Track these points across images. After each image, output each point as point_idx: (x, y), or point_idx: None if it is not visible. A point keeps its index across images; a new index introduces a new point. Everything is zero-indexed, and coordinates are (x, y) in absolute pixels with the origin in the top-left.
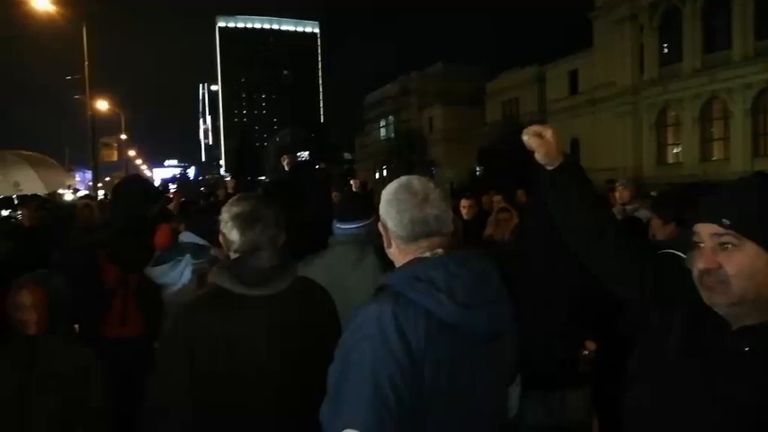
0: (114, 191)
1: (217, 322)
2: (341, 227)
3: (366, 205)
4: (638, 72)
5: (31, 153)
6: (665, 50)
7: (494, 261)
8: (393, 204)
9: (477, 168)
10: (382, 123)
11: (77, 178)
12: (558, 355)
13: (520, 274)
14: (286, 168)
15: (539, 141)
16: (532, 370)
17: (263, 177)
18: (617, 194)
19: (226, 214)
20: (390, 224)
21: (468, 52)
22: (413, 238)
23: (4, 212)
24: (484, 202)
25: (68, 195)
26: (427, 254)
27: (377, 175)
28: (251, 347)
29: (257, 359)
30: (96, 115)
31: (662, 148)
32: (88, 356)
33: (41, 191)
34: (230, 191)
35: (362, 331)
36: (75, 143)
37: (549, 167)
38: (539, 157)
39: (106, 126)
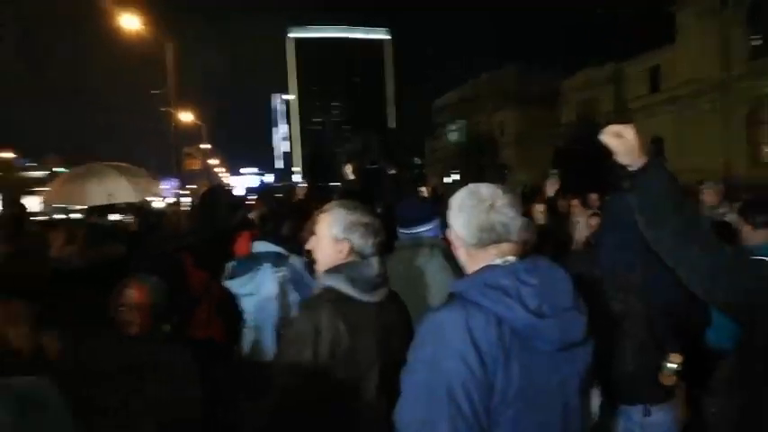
0: (200, 200)
1: (337, 320)
2: (404, 231)
3: (428, 209)
4: (725, 67)
5: (123, 164)
6: (755, 43)
7: (567, 268)
8: (461, 211)
9: (552, 171)
10: (452, 127)
11: (165, 186)
12: (637, 368)
13: (595, 282)
14: (350, 176)
15: (618, 141)
16: (612, 382)
17: (335, 183)
18: (704, 197)
19: (346, 218)
20: (459, 231)
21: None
22: (481, 244)
23: (112, 217)
24: (560, 205)
25: (156, 203)
26: (498, 261)
27: (447, 180)
28: (363, 347)
29: (368, 358)
30: (179, 126)
31: (755, 147)
32: (185, 356)
33: (132, 199)
34: (301, 197)
35: (434, 337)
36: (160, 153)
37: (632, 168)
38: (620, 157)
39: (189, 136)
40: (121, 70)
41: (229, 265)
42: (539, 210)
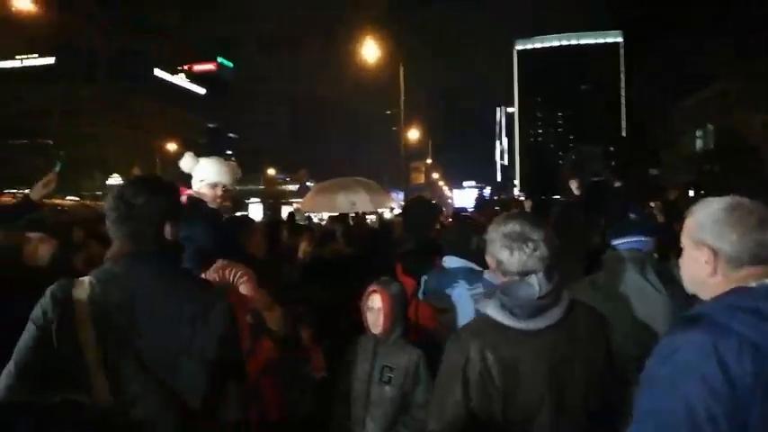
0: (404, 211)
1: (488, 354)
2: (617, 242)
3: (647, 222)
4: None
5: (364, 179)
6: None
7: None
8: (729, 225)
9: None
10: (698, 134)
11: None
12: None
13: None
14: (575, 192)
15: None
16: None
17: (557, 196)
18: None
19: (494, 233)
20: (726, 248)
21: None
22: (755, 262)
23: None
24: None
25: (387, 213)
26: (752, 283)
27: (690, 193)
28: (523, 379)
29: (530, 390)
30: (408, 143)
31: None
32: (417, 356)
33: (370, 209)
34: (527, 210)
35: (674, 360)
36: (391, 168)
37: None
38: None
39: (416, 151)
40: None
41: (423, 278)
42: None
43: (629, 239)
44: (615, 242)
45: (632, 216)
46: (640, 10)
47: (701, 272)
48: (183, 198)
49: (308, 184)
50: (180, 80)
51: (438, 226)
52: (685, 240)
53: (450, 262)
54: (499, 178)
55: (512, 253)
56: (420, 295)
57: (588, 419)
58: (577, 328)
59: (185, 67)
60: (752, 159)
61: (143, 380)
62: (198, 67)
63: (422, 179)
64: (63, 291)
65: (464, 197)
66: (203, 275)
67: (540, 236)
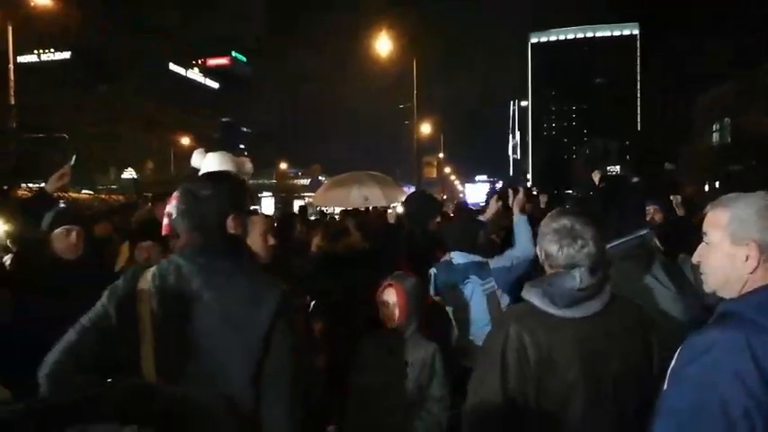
0: (405, 205)
1: (524, 334)
2: (615, 242)
3: (640, 214)
4: None
5: (377, 173)
6: None
7: None
8: None
9: None
10: (715, 128)
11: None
12: None
13: None
14: (597, 184)
15: None
16: None
17: (569, 191)
18: None
19: (545, 228)
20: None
21: None
22: None
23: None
24: None
25: (399, 208)
26: None
27: (706, 188)
28: (557, 366)
29: (564, 378)
30: (420, 138)
31: None
32: (434, 350)
33: (384, 203)
34: (543, 206)
35: (708, 358)
36: (404, 162)
37: None
38: None
39: (428, 145)
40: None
41: (431, 272)
42: None
43: (626, 237)
44: (614, 242)
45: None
46: (658, 1)
47: (739, 268)
48: None
49: (320, 178)
50: (194, 74)
51: (438, 219)
52: (717, 236)
53: (458, 257)
54: (512, 172)
55: (560, 248)
56: (431, 290)
57: (623, 414)
58: (614, 321)
59: (199, 62)
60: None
61: (193, 374)
62: (212, 62)
63: (434, 173)
64: (130, 280)
65: (476, 191)
66: None
67: (590, 234)
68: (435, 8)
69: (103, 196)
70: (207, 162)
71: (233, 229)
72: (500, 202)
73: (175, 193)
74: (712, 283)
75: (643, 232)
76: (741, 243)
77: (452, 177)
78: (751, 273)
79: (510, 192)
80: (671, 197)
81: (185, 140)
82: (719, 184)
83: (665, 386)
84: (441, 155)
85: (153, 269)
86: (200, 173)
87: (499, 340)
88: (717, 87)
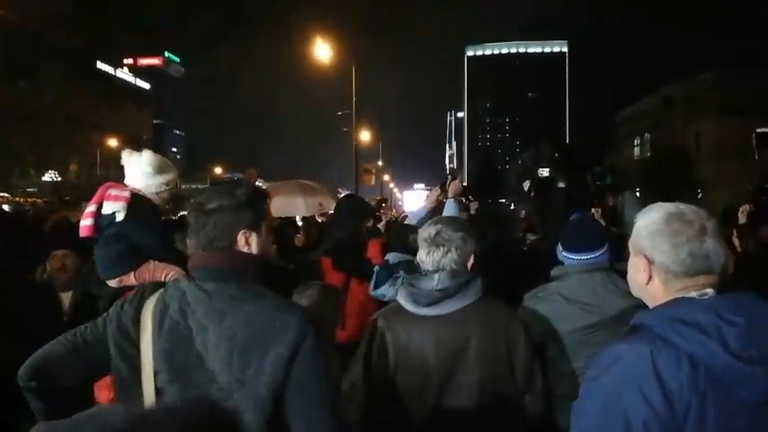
0: (335, 207)
1: (388, 332)
2: (572, 257)
3: (600, 234)
4: None
5: (306, 182)
6: None
7: None
8: (664, 236)
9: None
10: (636, 141)
11: None
12: None
13: None
14: (527, 191)
15: None
16: None
17: (503, 200)
18: None
19: (421, 234)
20: (661, 258)
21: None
22: (690, 274)
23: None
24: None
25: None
26: (693, 294)
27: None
28: (415, 358)
29: (421, 369)
30: (359, 144)
31: None
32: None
33: (306, 213)
34: (472, 212)
35: (614, 370)
36: (342, 169)
37: None
38: None
39: (367, 153)
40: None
41: (375, 272)
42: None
43: (583, 256)
44: (569, 256)
45: (586, 228)
46: (585, 21)
47: (639, 279)
48: (126, 194)
49: (257, 183)
50: (124, 74)
51: (371, 224)
52: (630, 247)
53: (392, 257)
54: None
55: (428, 253)
56: (372, 288)
57: (480, 403)
58: (474, 319)
59: (130, 61)
60: (686, 166)
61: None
62: (143, 61)
63: (372, 181)
64: (136, 304)
65: (414, 199)
66: (132, 275)
67: (457, 241)
68: (374, 17)
69: (19, 199)
70: (132, 163)
71: (245, 246)
72: (440, 191)
73: (112, 193)
74: (633, 291)
75: (603, 251)
76: (638, 255)
77: (391, 185)
78: (647, 284)
79: (449, 178)
80: (592, 210)
81: (113, 142)
82: (640, 196)
83: (579, 396)
84: (380, 162)
85: (158, 293)
86: (127, 176)
87: (366, 334)
88: (638, 103)
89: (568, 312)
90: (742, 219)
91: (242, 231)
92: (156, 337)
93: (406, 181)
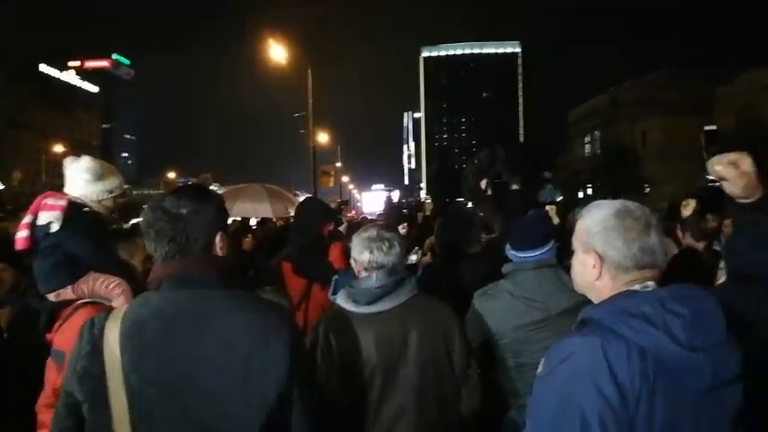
0: (296, 211)
1: (331, 334)
2: (518, 255)
3: (545, 231)
4: None
5: (270, 186)
6: None
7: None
8: (617, 232)
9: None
10: (587, 140)
11: None
12: None
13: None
14: (487, 192)
15: (736, 173)
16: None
17: (461, 199)
18: None
19: (356, 238)
20: (613, 253)
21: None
22: (638, 267)
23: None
24: (705, 227)
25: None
26: (636, 287)
27: (580, 195)
28: (359, 355)
29: (365, 365)
30: (317, 146)
31: None
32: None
33: (281, 215)
34: (428, 213)
35: (566, 365)
36: (300, 171)
37: (744, 201)
38: (731, 188)
39: (325, 155)
40: (269, 94)
41: (333, 279)
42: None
43: (531, 254)
44: (517, 254)
45: (531, 225)
46: (537, 22)
47: (589, 275)
48: (62, 203)
49: (212, 187)
50: (69, 77)
51: (331, 227)
52: (576, 244)
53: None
54: (407, 182)
55: (370, 253)
56: (331, 293)
57: (421, 390)
58: (412, 314)
59: (76, 64)
60: (634, 163)
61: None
62: (90, 64)
63: (331, 183)
64: (89, 335)
65: (373, 200)
66: (70, 288)
67: (393, 241)
68: (330, 19)
69: None
70: (72, 170)
71: (222, 250)
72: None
73: (47, 202)
74: (577, 287)
75: (548, 247)
76: (589, 252)
77: (350, 186)
78: (596, 280)
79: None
80: (545, 207)
81: (59, 148)
82: (592, 192)
83: (534, 392)
84: (338, 164)
85: (120, 314)
86: (66, 183)
87: (311, 338)
88: (588, 102)
89: (514, 308)
90: (685, 213)
91: (219, 234)
92: (132, 368)
93: (365, 182)
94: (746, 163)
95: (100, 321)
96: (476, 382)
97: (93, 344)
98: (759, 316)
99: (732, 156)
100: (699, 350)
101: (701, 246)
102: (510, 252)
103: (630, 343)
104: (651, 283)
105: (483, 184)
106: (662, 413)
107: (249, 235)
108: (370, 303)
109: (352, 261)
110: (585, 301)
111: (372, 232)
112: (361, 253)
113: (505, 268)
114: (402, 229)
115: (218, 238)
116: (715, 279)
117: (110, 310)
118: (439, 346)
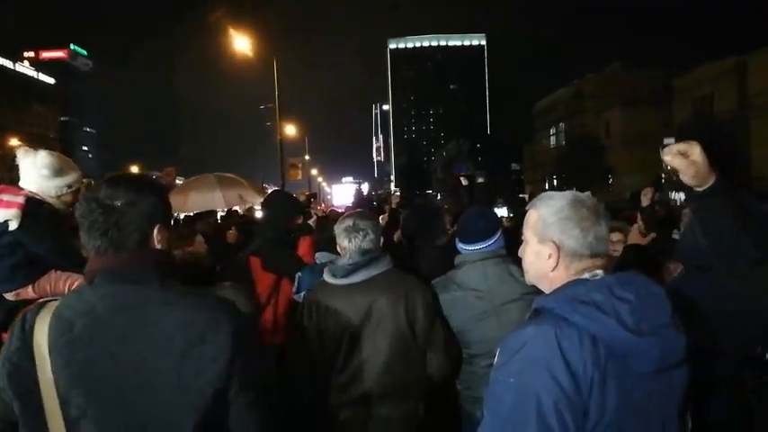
0: (263, 204)
1: (320, 300)
2: (465, 248)
3: (490, 223)
4: None
5: (226, 175)
6: None
7: (661, 285)
8: (574, 221)
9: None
10: (552, 131)
11: None
12: (730, 400)
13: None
14: (463, 183)
15: (685, 162)
16: (705, 413)
17: (430, 191)
18: None
19: (338, 228)
20: (570, 242)
21: (650, 50)
22: (592, 256)
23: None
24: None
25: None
26: (586, 275)
27: (546, 186)
28: (338, 318)
29: (339, 323)
30: (284, 139)
31: None
32: (270, 362)
33: (258, 201)
34: (394, 206)
35: (522, 355)
36: (267, 164)
37: (697, 190)
38: (683, 177)
39: (293, 148)
40: (235, 85)
41: (297, 277)
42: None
43: (478, 246)
44: (465, 247)
45: (478, 218)
46: (502, 14)
47: (543, 265)
48: (20, 199)
49: (177, 182)
50: (24, 68)
51: (300, 221)
52: (528, 234)
53: (321, 257)
54: (376, 174)
55: (350, 240)
56: (294, 291)
57: (389, 365)
58: (377, 288)
59: (31, 54)
60: (598, 154)
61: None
62: (46, 54)
63: (299, 175)
64: (20, 333)
65: (343, 193)
66: (31, 287)
67: (369, 227)
68: (296, 11)
69: None
70: (28, 165)
71: (160, 243)
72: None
73: (4, 198)
74: (529, 277)
75: (493, 239)
76: (544, 242)
77: (319, 179)
78: (552, 270)
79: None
80: (521, 195)
81: (15, 142)
82: (557, 182)
83: (491, 381)
84: (306, 157)
85: (52, 308)
86: (22, 178)
87: (300, 308)
88: (553, 94)
89: (462, 299)
90: (645, 201)
91: (157, 227)
92: (62, 365)
93: (334, 175)
94: (695, 152)
95: (32, 316)
96: (440, 344)
97: (23, 339)
98: (705, 303)
99: (681, 146)
100: (646, 333)
101: (648, 238)
102: (458, 245)
103: (582, 330)
104: (600, 272)
105: (464, 181)
106: (613, 397)
107: (233, 227)
108: (344, 276)
109: (338, 247)
110: (530, 292)
111: (349, 222)
112: (343, 241)
113: (456, 260)
114: (382, 220)
115: (155, 231)
116: (663, 268)
117: (44, 304)
118: (400, 313)
